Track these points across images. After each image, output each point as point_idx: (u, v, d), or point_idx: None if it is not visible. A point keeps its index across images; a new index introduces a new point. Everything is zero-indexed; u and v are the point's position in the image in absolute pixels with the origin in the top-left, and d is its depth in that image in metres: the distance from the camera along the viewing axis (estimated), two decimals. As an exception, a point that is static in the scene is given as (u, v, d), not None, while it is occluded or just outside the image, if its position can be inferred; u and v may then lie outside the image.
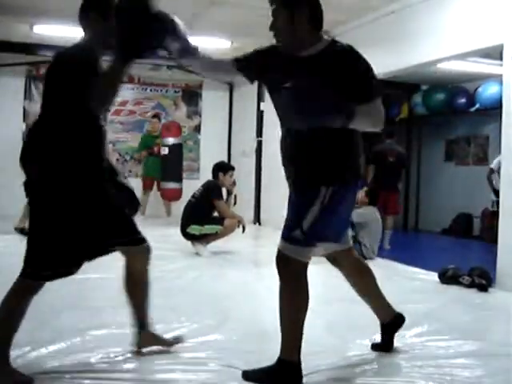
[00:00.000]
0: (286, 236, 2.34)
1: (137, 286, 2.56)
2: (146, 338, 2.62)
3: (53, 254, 2.27)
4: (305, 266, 2.36)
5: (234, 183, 6.20)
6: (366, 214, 5.79)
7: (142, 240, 2.51)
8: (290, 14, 2.27)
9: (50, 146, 2.27)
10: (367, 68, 2.34)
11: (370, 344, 2.86)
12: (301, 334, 2.34)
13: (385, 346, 2.81)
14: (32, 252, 2.29)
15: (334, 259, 2.73)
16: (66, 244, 2.28)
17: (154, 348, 2.65)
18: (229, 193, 6.36)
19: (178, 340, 2.75)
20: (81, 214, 2.30)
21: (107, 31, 2.27)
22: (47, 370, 2.39)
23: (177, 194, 8.68)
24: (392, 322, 2.83)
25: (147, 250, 2.54)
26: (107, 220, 2.38)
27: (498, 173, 6.77)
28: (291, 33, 2.31)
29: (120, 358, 2.60)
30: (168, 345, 2.69)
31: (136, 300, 2.57)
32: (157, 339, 2.67)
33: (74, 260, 2.34)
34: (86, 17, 2.47)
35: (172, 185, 8.69)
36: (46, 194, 2.29)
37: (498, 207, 6.86)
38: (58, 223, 2.28)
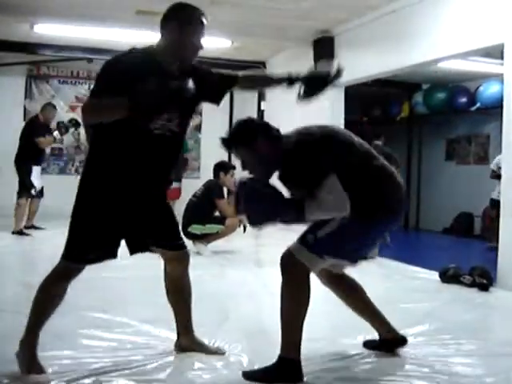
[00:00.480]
0: (300, 238, 2.43)
1: (176, 291, 2.66)
2: (187, 342, 2.69)
3: (96, 238, 2.33)
4: (309, 271, 2.41)
5: (235, 183, 6.20)
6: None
7: (182, 246, 2.59)
8: (252, 150, 2.45)
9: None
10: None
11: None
12: (301, 332, 2.36)
13: (379, 346, 2.81)
14: (76, 236, 2.34)
15: (323, 277, 2.69)
16: (108, 230, 2.34)
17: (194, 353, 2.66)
18: (230, 192, 6.35)
19: (220, 350, 2.74)
20: (126, 206, 2.36)
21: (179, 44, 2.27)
22: (49, 372, 2.38)
23: (175, 193, 8.69)
24: (393, 341, 2.79)
25: (185, 257, 2.62)
26: (153, 219, 2.46)
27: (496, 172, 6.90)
28: (262, 162, 2.47)
29: (121, 358, 2.60)
30: (208, 352, 2.69)
31: (177, 305, 2.67)
32: (198, 344, 2.71)
33: (113, 246, 2.39)
34: (164, 26, 2.33)
35: (173, 184, 8.68)
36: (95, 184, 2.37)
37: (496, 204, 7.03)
38: (104, 210, 2.33)
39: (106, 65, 2.26)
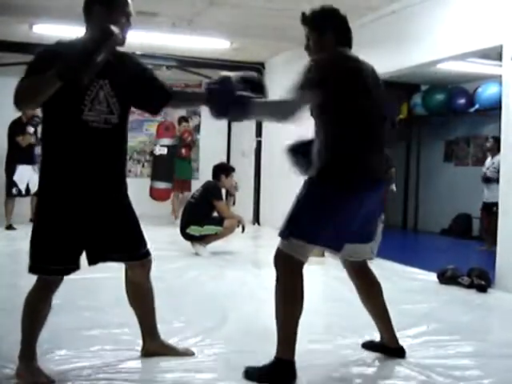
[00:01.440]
0: (280, 230, 2.41)
1: (139, 297, 2.56)
2: (154, 347, 2.62)
3: (52, 248, 2.25)
4: (300, 264, 2.38)
5: (236, 187, 6.20)
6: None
7: (143, 255, 2.46)
8: (319, 36, 2.55)
9: None
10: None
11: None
12: (295, 333, 2.35)
13: (377, 349, 2.79)
14: (34, 247, 2.28)
15: (348, 268, 2.71)
16: (62, 239, 2.25)
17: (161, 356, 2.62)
18: (229, 193, 6.36)
19: (188, 352, 2.70)
20: (76, 210, 2.27)
21: (112, 24, 2.13)
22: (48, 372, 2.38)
23: (163, 194, 8.71)
24: (393, 349, 2.75)
25: (146, 263, 2.50)
26: (108, 227, 2.34)
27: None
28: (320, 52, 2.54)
29: (119, 358, 2.60)
30: (177, 354, 2.65)
31: (140, 310, 2.59)
32: (166, 348, 2.66)
33: (72, 256, 2.29)
34: (89, 12, 2.37)
35: (164, 185, 8.70)
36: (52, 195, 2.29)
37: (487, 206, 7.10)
38: (55, 217, 2.26)
39: (35, 55, 2.31)
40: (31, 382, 2.27)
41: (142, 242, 2.47)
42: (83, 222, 2.28)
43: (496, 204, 7.02)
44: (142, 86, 2.42)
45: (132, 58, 2.50)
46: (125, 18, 2.37)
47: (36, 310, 2.32)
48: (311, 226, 2.36)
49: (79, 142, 2.24)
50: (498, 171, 6.89)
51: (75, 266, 2.30)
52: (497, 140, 7.28)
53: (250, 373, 2.39)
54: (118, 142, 2.38)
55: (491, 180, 6.91)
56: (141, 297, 2.56)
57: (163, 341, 2.67)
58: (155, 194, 8.74)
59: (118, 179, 2.42)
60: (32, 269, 2.27)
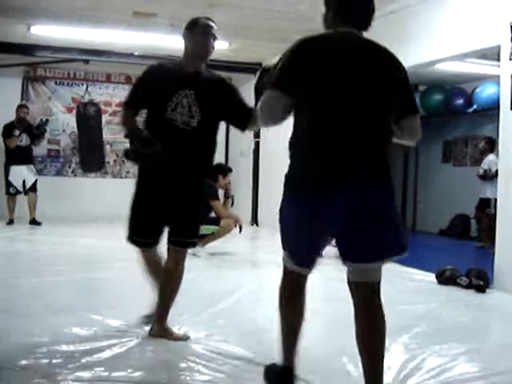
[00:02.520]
0: None
1: (167, 279, 2.90)
2: (160, 329, 2.89)
3: (136, 223, 2.90)
4: (290, 273, 2.16)
5: (228, 187, 6.20)
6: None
7: (183, 244, 2.87)
8: (325, 12, 2.21)
9: None
10: None
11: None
12: (286, 339, 2.23)
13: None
14: (128, 221, 2.91)
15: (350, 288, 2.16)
16: (143, 216, 2.89)
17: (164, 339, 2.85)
18: (227, 194, 6.36)
19: (186, 337, 2.93)
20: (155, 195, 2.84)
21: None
22: (46, 371, 2.38)
23: None
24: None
25: (182, 252, 2.88)
26: (173, 211, 2.84)
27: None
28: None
29: (119, 357, 2.59)
30: (176, 339, 2.87)
31: (161, 291, 2.91)
32: (168, 332, 2.90)
33: (152, 232, 2.91)
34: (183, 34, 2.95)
35: None
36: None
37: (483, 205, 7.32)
38: (140, 198, 2.91)
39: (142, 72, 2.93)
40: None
41: (189, 232, 2.90)
42: (161, 204, 2.83)
43: (486, 200, 7.28)
44: (231, 106, 2.93)
45: (222, 80, 2.99)
46: (205, 38, 2.88)
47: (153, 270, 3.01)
48: (281, 234, 2.16)
49: (163, 134, 2.76)
50: (485, 170, 7.27)
51: (153, 241, 2.93)
52: (488, 141, 7.46)
53: (266, 369, 2.37)
54: (197, 143, 2.82)
55: (482, 178, 7.40)
56: (167, 280, 2.91)
57: (167, 326, 2.92)
58: None
59: (194, 175, 2.87)
60: (127, 239, 2.91)
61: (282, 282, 2.21)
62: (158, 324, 2.90)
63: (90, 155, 8.11)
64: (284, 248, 2.15)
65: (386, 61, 2.11)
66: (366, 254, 2.02)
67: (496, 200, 7.04)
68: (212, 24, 2.94)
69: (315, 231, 2.04)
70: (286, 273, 2.18)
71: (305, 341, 2.27)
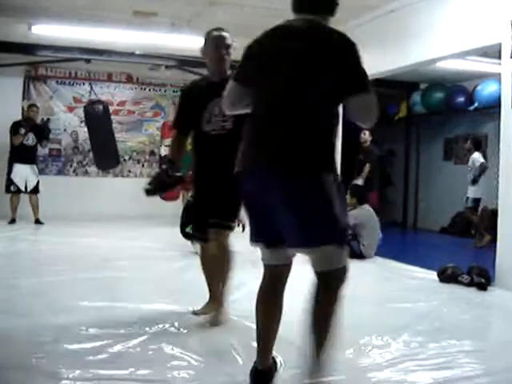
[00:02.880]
0: None
1: (210, 264, 3.25)
2: (206, 309, 3.24)
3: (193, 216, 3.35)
4: (266, 268, 2.41)
5: None
6: (360, 214, 5.81)
7: (224, 226, 3.07)
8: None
9: None
10: None
11: (366, 342, 2.86)
12: (259, 340, 2.38)
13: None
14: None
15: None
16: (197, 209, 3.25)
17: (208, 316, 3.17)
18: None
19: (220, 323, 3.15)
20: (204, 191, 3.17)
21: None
22: (46, 371, 2.38)
23: (174, 194, 8.68)
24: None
25: (223, 234, 3.08)
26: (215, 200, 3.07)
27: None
28: None
29: (121, 356, 2.60)
30: (213, 324, 3.11)
31: (209, 275, 3.29)
32: (219, 312, 3.16)
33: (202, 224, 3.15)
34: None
35: None
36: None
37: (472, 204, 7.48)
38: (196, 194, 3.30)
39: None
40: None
41: (227, 214, 3.09)
42: (208, 200, 3.11)
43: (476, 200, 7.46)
44: None
45: None
46: (216, 52, 3.05)
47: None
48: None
49: (204, 146, 3.12)
50: (474, 175, 7.44)
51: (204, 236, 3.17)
52: (473, 140, 7.53)
53: None
54: (235, 143, 2.79)
55: (474, 181, 7.51)
56: (211, 264, 3.24)
57: (219, 310, 3.17)
58: (166, 194, 8.71)
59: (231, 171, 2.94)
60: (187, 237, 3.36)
61: (262, 280, 2.43)
62: (208, 304, 3.25)
63: (104, 153, 8.15)
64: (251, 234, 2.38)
65: (325, 43, 2.09)
66: (291, 239, 2.14)
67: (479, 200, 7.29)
68: (223, 34, 3.08)
69: (257, 209, 2.23)
70: (265, 271, 2.42)
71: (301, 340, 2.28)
